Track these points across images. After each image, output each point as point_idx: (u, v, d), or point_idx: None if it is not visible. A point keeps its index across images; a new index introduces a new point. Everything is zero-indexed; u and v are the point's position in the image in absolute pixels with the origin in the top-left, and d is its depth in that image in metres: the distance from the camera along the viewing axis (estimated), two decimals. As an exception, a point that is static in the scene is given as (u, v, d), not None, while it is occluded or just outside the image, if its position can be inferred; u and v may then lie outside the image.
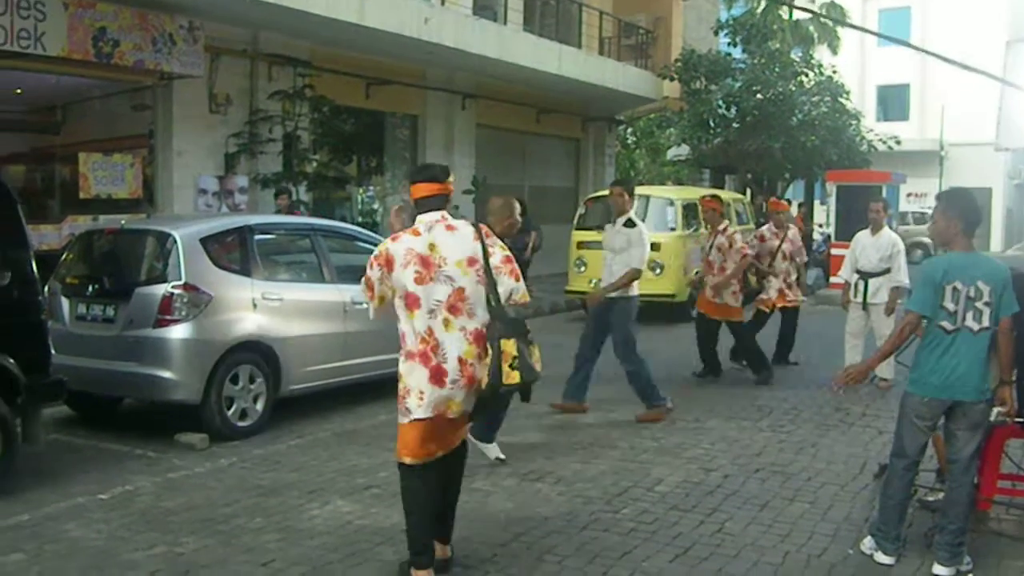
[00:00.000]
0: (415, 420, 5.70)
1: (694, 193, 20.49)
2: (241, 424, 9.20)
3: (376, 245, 10.94)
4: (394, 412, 9.88)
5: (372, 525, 6.90)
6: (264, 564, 6.17)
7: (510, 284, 5.83)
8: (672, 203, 18.25)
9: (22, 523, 6.96)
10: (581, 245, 18.29)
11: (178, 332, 8.90)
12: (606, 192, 20.71)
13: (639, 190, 20.60)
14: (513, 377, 5.65)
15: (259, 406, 9.39)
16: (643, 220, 17.80)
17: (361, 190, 20.32)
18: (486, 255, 5.78)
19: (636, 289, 10.28)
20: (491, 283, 5.76)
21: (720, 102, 24.20)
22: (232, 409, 9.22)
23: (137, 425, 10.00)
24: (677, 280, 17.69)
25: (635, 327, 10.37)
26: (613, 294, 10.10)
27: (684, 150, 29.17)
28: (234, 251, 9.60)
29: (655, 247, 17.34)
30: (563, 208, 25.00)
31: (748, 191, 26.20)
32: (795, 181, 28.29)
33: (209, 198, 15.54)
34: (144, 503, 7.43)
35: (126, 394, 9.76)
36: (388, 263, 5.71)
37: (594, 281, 17.72)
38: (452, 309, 5.66)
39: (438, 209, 5.82)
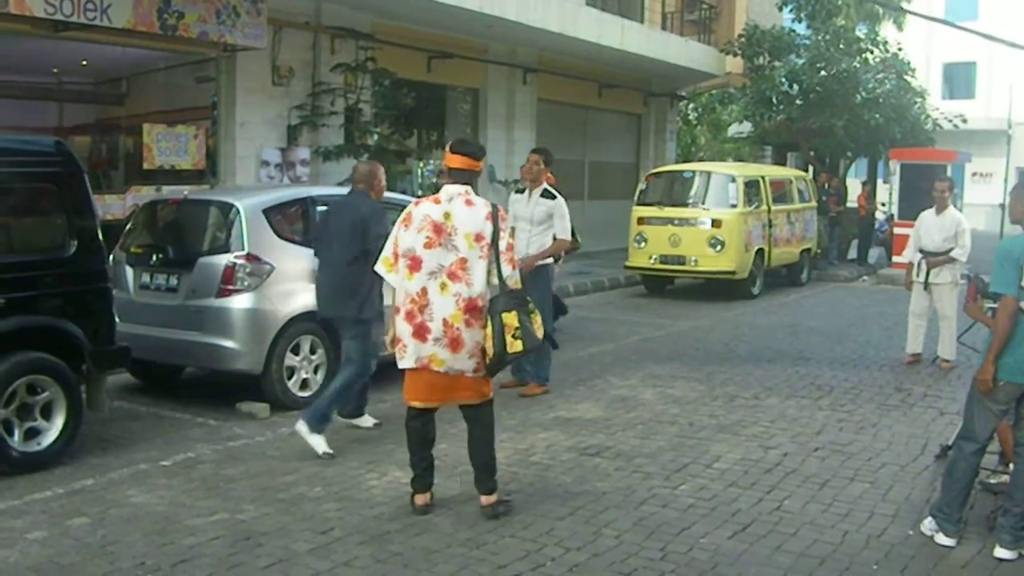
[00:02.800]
0: (404, 368, 6.40)
1: (756, 170, 20.37)
2: (302, 394, 9.26)
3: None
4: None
5: (434, 497, 6.91)
6: (323, 532, 6.23)
7: (508, 270, 6.32)
8: (733, 180, 18.10)
9: (87, 488, 7.08)
10: (642, 221, 18.22)
11: (240, 302, 8.98)
12: (668, 168, 20.77)
13: (700, 166, 20.67)
14: (516, 346, 6.20)
15: (319, 377, 9.44)
16: (704, 196, 17.98)
17: (421, 163, 20.31)
18: (495, 236, 6.26)
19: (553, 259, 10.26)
20: (496, 262, 6.26)
21: (783, 79, 23.92)
22: (293, 379, 9.29)
23: (198, 394, 10.12)
24: (738, 257, 17.60)
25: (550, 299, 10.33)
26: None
27: (746, 127, 28.91)
28: (296, 222, 9.66)
29: (716, 224, 17.41)
30: (623, 184, 24.92)
31: (810, 169, 25.91)
32: (858, 160, 27.96)
33: (271, 170, 15.60)
34: (205, 470, 7.52)
35: (188, 363, 9.86)
36: (408, 223, 6.30)
37: (654, 257, 17.72)
38: (451, 275, 6.24)
39: (465, 184, 6.40)
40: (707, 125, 34.15)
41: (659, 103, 27.01)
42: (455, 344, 6.25)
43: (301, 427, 7.90)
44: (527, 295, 9.96)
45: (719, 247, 17.51)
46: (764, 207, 18.64)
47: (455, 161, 6.48)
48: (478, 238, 6.26)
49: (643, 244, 18.13)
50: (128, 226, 10.21)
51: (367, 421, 8.78)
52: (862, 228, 24.76)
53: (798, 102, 24.42)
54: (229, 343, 8.98)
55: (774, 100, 24.10)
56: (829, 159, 27.03)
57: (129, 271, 9.52)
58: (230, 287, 8.95)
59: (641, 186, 19.25)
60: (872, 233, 25.14)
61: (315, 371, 9.44)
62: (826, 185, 23.83)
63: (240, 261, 8.98)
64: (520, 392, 10.07)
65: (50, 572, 5.61)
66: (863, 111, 23.69)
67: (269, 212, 9.37)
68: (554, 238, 10.09)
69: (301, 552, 5.91)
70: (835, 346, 13.35)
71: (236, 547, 5.97)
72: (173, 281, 9.28)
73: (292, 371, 9.30)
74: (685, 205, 18.27)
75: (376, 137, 17.26)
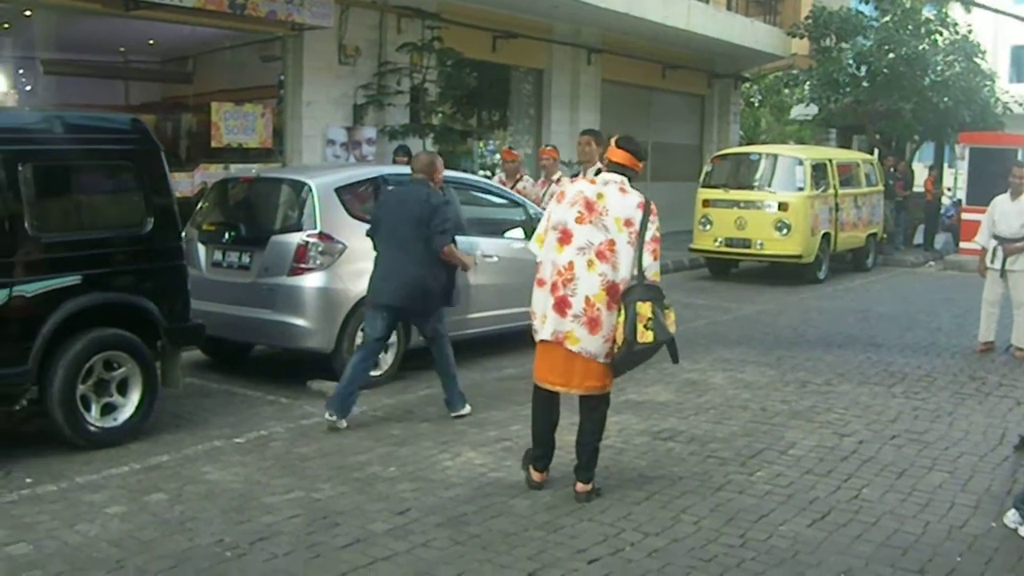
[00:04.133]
0: (539, 340, 6.41)
1: (823, 153, 20.14)
2: (372, 374, 9.22)
3: (506, 198, 11.02)
4: (520, 367, 10.12)
5: (506, 478, 6.90)
6: (400, 513, 6.20)
7: (649, 260, 6.25)
8: (801, 163, 17.90)
9: (163, 463, 7.12)
10: (707, 203, 18.07)
11: (312, 280, 8.99)
12: (734, 150, 20.58)
13: (767, 149, 20.46)
14: (647, 336, 6.12)
15: (390, 357, 9.43)
16: (771, 179, 17.80)
17: (481, 143, 20.28)
18: (644, 226, 6.22)
19: None
20: (640, 252, 6.20)
21: (851, 60, 23.60)
22: (364, 358, 9.28)
23: (267, 371, 10.16)
24: (805, 241, 17.41)
25: None
26: None
27: (811, 110, 28.55)
28: (367, 201, 9.63)
29: (783, 207, 17.23)
30: (687, 165, 24.76)
31: (876, 152, 25.59)
32: (924, 143, 27.55)
33: (337, 148, 15.64)
34: (279, 448, 7.53)
35: (260, 341, 9.89)
36: (561, 199, 6.33)
37: (719, 240, 17.61)
38: (600, 255, 6.19)
39: (622, 175, 6.37)
40: (770, 107, 33.77)
41: (723, 84, 26.78)
42: (593, 325, 6.22)
43: (458, 414, 8.38)
44: None
45: (785, 231, 17.33)
46: (831, 190, 18.41)
47: (619, 156, 6.42)
48: (627, 223, 6.22)
49: (708, 227, 17.98)
50: (200, 204, 10.25)
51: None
52: (928, 213, 24.42)
53: (865, 84, 24.09)
54: (301, 321, 9.00)
55: (841, 82, 23.77)
56: (896, 143, 26.66)
57: (201, 249, 9.57)
58: (302, 265, 8.97)
59: (707, 168, 19.08)
60: (938, 218, 24.79)
61: (385, 350, 9.40)
62: (893, 169, 23.48)
63: (312, 240, 8.98)
64: None
65: (130, 547, 5.63)
66: (932, 94, 23.35)
67: (341, 191, 9.37)
68: None
69: (379, 532, 5.89)
70: (905, 332, 13.16)
71: (314, 526, 5.97)
72: (245, 259, 9.31)
73: (363, 350, 9.28)
74: (751, 188, 18.10)
75: (441, 117, 17.20)
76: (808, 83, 24.90)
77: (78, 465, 7.01)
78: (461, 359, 9.73)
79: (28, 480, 6.70)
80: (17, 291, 6.87)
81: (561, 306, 6.23)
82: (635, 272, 6.22)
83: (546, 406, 6.57)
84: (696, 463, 7.37)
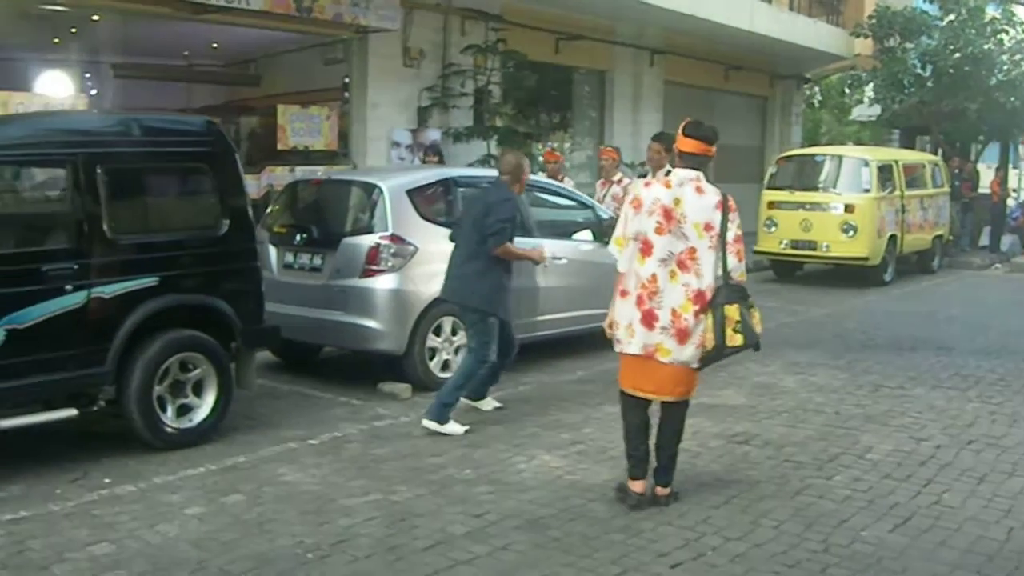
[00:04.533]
0: (625, 353, 6.25)
1: (889, 154, 19.91)
2: (443, 375, 9.21)
3: (572, 199, 10.97)
4: (590, 369, 10.07)
5: (583, 481, 6.85)
6: (477, 516, 6.17)
7: (733, 262, 6.14)
8: (867, 164, 17.69)
9: (239, 464, 7.13)
10: (772, 205, 17.90)
11: (384, 283, 8.98)
12: (799, 151, 20.39)
13: (832, 150, 20.24)
14: (736, 339, 6.08)
15: (459, 358, 9.38)
16: (836, 181, 17.62)
17: (540, 146, 20.23)
18: (724, 227, 6.08)
19: None
20: (722, 253, 6.09)
21: (916, 60, 23.30)
22: (434, 360, 9.28)
23: (337, 373, 10.19)
24: (871, 243, 17.21)
25: None
26: None
27: (872, 110, 28.22)
28: (438, 203, 9.64)
29: (849, 209, 17.04)
30: (749, 167, 24.56)
31: (940, 152, 25.25)
32: (990, 143, 27.13)
33: (402, 151, 15.66)
34: (354, 450, 7.53)
35: (331, 343, 9.91)
36: (638, 207, 6.09)
37: (784, 242, 17.44)
38: (681, 264, 6.04)
39: (697, 169, 6.15)
40: (830, 108, 33.45)
41: (785, 85, 26.56)
42: (682, 335, 6.09)
43: (430, 424, 7.96)
44: None
45: (852, 232, 17.13)
46: (897, 192, 18.18)
47: (688, 145, 6.20)
48: (707, 227, 6.08)
49: (773, 229, 17.82)
50: (271, 206, 10.28)
51: (488, 404, 8.68)
52: (994, 215, 24.05)
53: (930, 84, 23.78)
54: (373, 323, 8.99)
55: (906, 83, 23.47)
56: (960, 143, 26.29)
57: (272, 251, 9.59)
58: (374, 267, 8.96)
59: (771, 170, 18.91)
60: (1004, 220, 24.42)
61: (455, 352, 9.40)
62: (959, 170, 23.16)
63: (384, 242, 8.98)
64: None
65: (211, 548, 5.64)
66: (998, 94, 22.99)
67: (412, 193, 9.36)
68: None
69: (458, 535, 5.86)
70: (976, 336, 12.95)
71: (393, 528, 5.94)
72: (317, 261, 9.33)
73: (433, 352, 9.30)
74: (817, 189, 17.92)
75: (505, 119, 17.17)
76: (872, 84, 24.60)
77: (154, 466, 7.05)
78: (532, 362, 9.73)
79: (106, 480, 6.75)
80: (96, 292, 6.91)
81: (648, 319, 6.09)
82: (719, 274, 6.12)
83: (638, 412, 6.40)
84: (772, 467, 7.28)
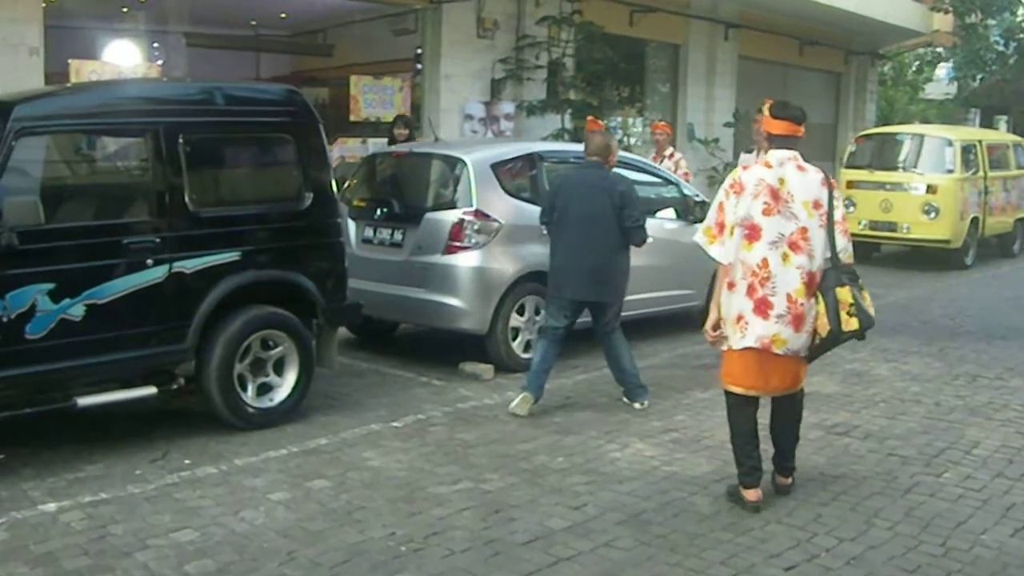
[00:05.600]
0: (737, 349, 5.82)
1: (972, 134, 19.34)
2: (525, 356, 8.94)
3: (658, 175, 10.61)
4: (673, 351, 9.74)
5: (681, 473, 6.53)
6: (576, 508, 5.88)
7: (842, 242, 5.81)
8: (951, 143, 17.13)
9: (321, 447, 6.89)
10: (851, 184, 17.36)
11: (468, 260, 8.69)
12: (879, 129, 19.84)
13: (914, 128, 19.68)
14: (852, 324, 5.72)
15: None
16: (917, 160, 17.10)
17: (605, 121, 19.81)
18: (831, 205, 5.76)
19: None
20: (831, 233, 5.75)
21: (998, 37, 22.65)
22: (517, 341, 9.00)
23: (414, 351, 9.92)
24: (953, 225, 16.69)
25: None
26: None
27: (948, 88, 27.52)
28: (523, 178, 9.35)
29: (931, 189, 16.52)
30: (822, 145, 23.99)
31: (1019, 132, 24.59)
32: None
33: (475, 124, 15.30)
34: (439, 434, 7.26)
35: (412, 320, 9.63)
36: (740, 191, 5.72)
37: (863, 222, 16.95)
38: (793, 246, 5.69)
39: (791, 148, 5.83)
40: (903, 86, 32.67)
41: (860, 62, 25.88)
42: (797, 322, 5.73)
43: (626, 400, 8.08)
44: None
45: (934, 214, 16.61)
46: (981, 173, 17.62)
47: (777, 127, 5.86)
48: (816, 205, 5.73)
49: (851, 208, 17.25)
50: (350, 179, 10.00)
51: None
52: (1078, 198, 23.31)
53: (1011, 62, 23.14)
54: (455, 302, 8.71)
55: (987, 60, 22.83)
56: (1041, 123, 25.61)
57: (351, 225, 9.32)
58: (458, 244, 8.67)
59: (850, 148, 18.41)
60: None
61: (539, 333, 9.08)
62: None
63: (469, 217, 8.69)
64: None
65: (299, 537, 5.39)
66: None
67: (496, 167, 9.06)
68: None
69: (557, 529, 5.57)
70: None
71: (488, 521, 5.66)
72: (398, 236, 9.05)
73: (516, 332, 9.01)
74: (897, 169, 17.39)
75: (579, 92, 16.77)
76: (952, 60, 23.97)
77: (235, 447, 6.82)
78: (594, 349, 9.39)
79: (187, 462, 6.53)
80: (177, 267, 6.68)
81: (763, 308, 5.69)
82: (828, 255, 5.76)
83: (747, 414, 5.99)
84: (877, 461, 6.92)
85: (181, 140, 6.68)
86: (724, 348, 5.93)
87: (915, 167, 17.23)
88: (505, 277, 8.78)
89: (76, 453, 6.61)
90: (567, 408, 7.94)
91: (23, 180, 6.24)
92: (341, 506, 5.84)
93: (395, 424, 7.45)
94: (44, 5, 10.98)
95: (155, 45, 16.73)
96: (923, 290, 15.02)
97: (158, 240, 6.60)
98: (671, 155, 12.24)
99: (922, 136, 18.02)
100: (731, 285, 5.80)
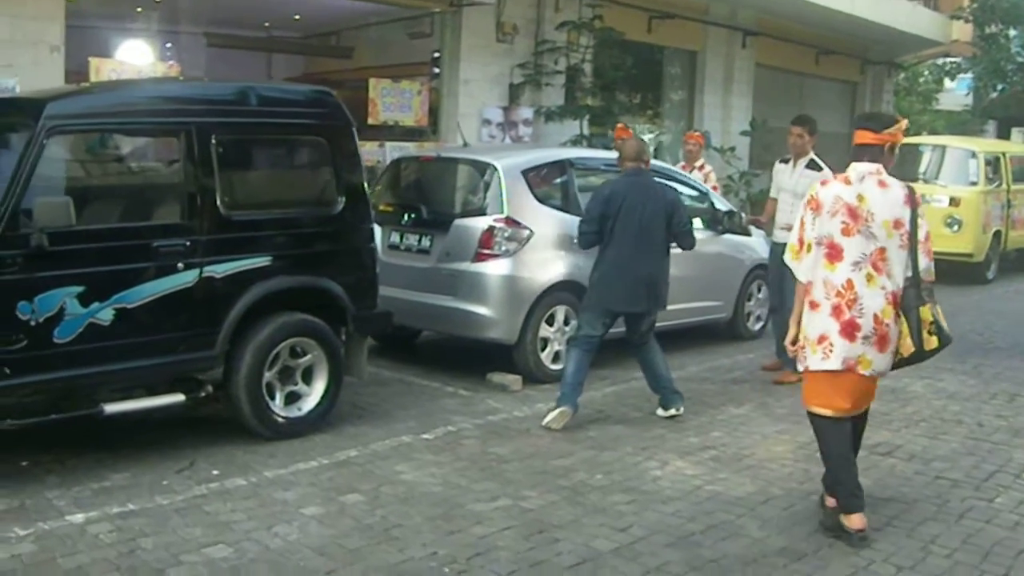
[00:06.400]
0: (820, 371, 5.60)
1: (996, 146, 19.14)
2: (553, 367, 8.77)
3: (687, 184, 10.41)
4: (704, 364, 9.56)
5: (725, 493, 6.32)
6: (622, 530, 5.67)
7: (924, 262, 5.63)
8: (974, 155, 16.94)
9: (352, 459, 6.70)
10: (871, 196, 17.16)
11: (498, 268, 8.50)
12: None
13: (936, 139, 19.49)
14: (932, 343, 5.61)
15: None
16: (939, 172, 16.89)
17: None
18: (914, 223, 5.55)
19: None
20: (913, 253, 5.54)
21: (1020, 48, 22.47)
22: (545, 351, 8.81)
23: (438, 359, 9.73)
24: (976, 239, 16.51)
25: None
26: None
27: (966, 99, 27.26)
28: (554, 185, 9.16)
29: (954, 202, 16.31)
30: (838, 154, 23.60)
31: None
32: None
33: (493, 129, 15.09)
34: (472, 448, 7.06)
35: (438, 328, 9.42)
36: (817, 208, 5.55)
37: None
38: (874, 266, 5.48)
39: (873, 161, 5.61)
40: (917, 96, 32.47)
41: (876, 71, 25.67)
42: (882, 342, 5.56)
43: (660, 412, 8.00)
44: (783, 273, 9.49)
45: (956, 227, 16.42)
46: (1004, 186, 17.43)
47: (864, 137, 5.67)
48: (897, 225, 5.52)
49: (871, 220, 17.11)
50: (375, 184, 9.80)
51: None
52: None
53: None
54: (484, 310, 8.51)
55: (1008, 71, 22.65)
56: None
57: (377, 230, 9.07)
58: (488, 252, 8.48)
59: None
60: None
61: (567, 343, 8.89)
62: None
63: (499, 225, 8.49)
64: (773, 378, 9.40)
65: (337, 556, 5.19)
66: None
67: (528, 173, 8.87)
68: None
69: (604, 552, 5.36)
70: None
71: (532, 541, 5.46)
72: (425, 242, 8.86)
73: (545, 342, 8.81)
74: (919, 180, 17.15)
75: (598, 98, 16.57)
76: (972, 71, 23.78)
77: (263, 457, 6.62)
78: (630, 358, 9.20)
79: (215, 472, 6.33)
80: (207, 271, 6.48)
81: (850, 330, 5.50)
82: (908, 274, 5.56)
83: (842, 436, 5.72)
84: (925, 484, 6.72)
85: (214, 141, 6.49)
86: (801, 368, 5.77)
87: (937, 179, 17.05)
88: (535, 286, 8.59)
89: (100, 461, 6.41)
90: (600, 422, 7.75)
91: (54, 180, 6.07)
92: (377, 522, 5.64)
93: (426, 436, 7.25)
94: (66, 2, 10.81)
95: (167, 45, 16.56)
96: (947, 305, 14.40)
97: (189, 243, 6.40)
98: (701, 166, 12.06)
99: (944, 147, 17.82)
100: (813, 304, 5.63)
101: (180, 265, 6.36)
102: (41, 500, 5.78)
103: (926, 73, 29.54)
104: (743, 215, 11.08)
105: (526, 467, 6.66)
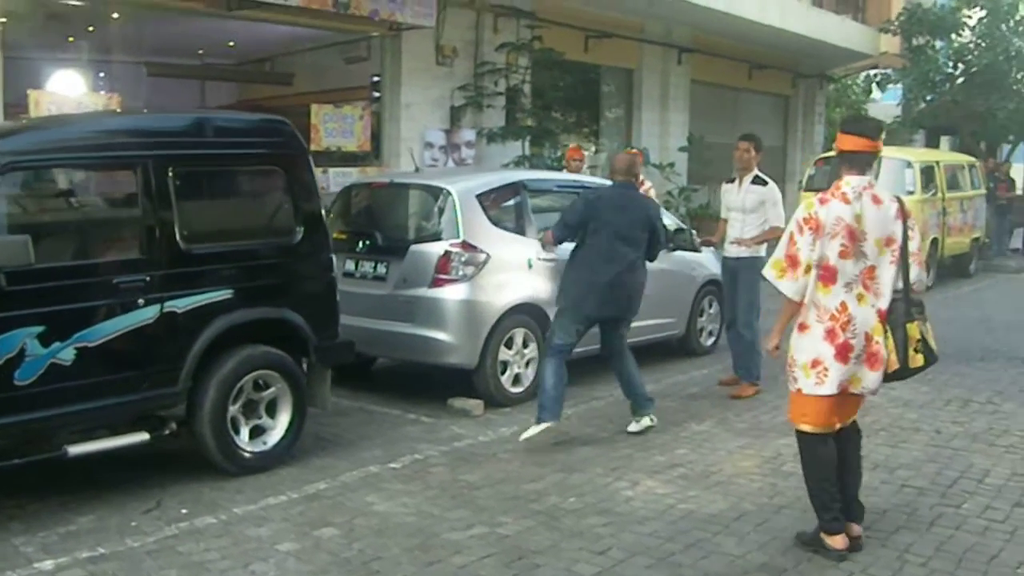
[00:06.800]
0: (817, 395, 5.53)
1: (930, 155, 19.44)
2: (514, 390, 8.76)
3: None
4: (661, 381, 9.57)
5: (698, 511, 6.33)
6: (601, 553, 5.65)
7: (916, 272, 5.58)
8: (910, 165, 17.18)
9: (321, 492, 6.61)
10: (811, 207, 17.34)
11: (456, 293, 8.45)
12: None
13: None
14: (917, 360, 5.57)
15: (531, 372, 8.91)
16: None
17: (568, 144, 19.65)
18: (905, 236, 5.48)
19: (764, 251, 9.50)
20: (905, 267, 5.47)
21: (948, 60, 22.84)
22: (505, 375, 8.77)
23: (395, 386, 9.63)
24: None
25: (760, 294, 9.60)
26: (745, 253, 9.49)
27: (896, 109, 27.60)
28: (508, 208, 9.15)
29: (892, 212, 16.51)
30: (772, 167, 23.93)
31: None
32: (1020, 145, 26.59)
33: (436, 152, 15.06)
34: (441, 475, 7.00)
35: (396, 355, 9.34)
36: (818, 229, 5.37)
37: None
38: (863, 284, 5.42)
39: (864, 167, 5.53)
40: (845, 107, 32.82)
41: (808, 84, 25.98)
42: (872, 360, 5.50)
43: (632, 427, 8.06)
44: (736, 288, 9.56)
45: (895, 236, 16.58)
46: (939, 194, 17.70)
47: (850, 142, 5.53)
48: (888, 242, 5.45)
49: (812, 232, 17.28)
50: (328, 211, 9.72)
51: None
52: (1028, 217, 23.62)
53: (959, 81, 23.35)
54: (443, 336, 8.46)
55: (937, 82, 23.01)
56: (986, 144, 25.80)
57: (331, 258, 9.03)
58: (445, 276, 8.44)
59: (809, 171, 18.44)
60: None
61: (526, 365, 8.90)
62: (995, 172, 22.70)
63: (455, 249, 8.46)
64: (730, 393, 9.46)
65: (318, 592, 5.11)
66: (1030, 94, 22.58)
67: (481, 197, 8.85)
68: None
69: (587, 575, 5.34)
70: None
71: (513, 568, 5.42)
72: (381, 269, 8.79)
73: (505, 366, 8.77)
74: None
75: (538, 119, 16.58)
76: (901, 82, 24.11)
77: (231, 493, 6.52)
78: (596, 375, 9.23)
79: (183, 511, 6.22)
80: (168, 307, 6.37)
81: (844, 352, 5.44)
82: (899, 286, 5.50)
83: (829, 450, 5.70)
84: (892, 493, 6.79)
85: (170, 173, 6.38)
86: (793, 389, 5.65)
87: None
88: (494, 310, 8.56)
89: (64, 504, 6.27)
90: (566, 444, 7.72)
91: (10, 218, 5.95)
92: (355, 556, 5.57)
93: (393, 466, 7.18)
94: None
95: (100, 74, 16.32)
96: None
97: (149, 279, 6.28)
98: (641, 182, 12.10)
99: (881, 158, 18.01)
100: (803, 326, 5.56)
101: (141, 301, 6.24)
102: (7, 547, 5.62)
103: (856, 84, 29.85)
104: (693, 232, 11.14)
105: (497, 493, 6.62)
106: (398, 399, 8.99)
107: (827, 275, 5.43)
